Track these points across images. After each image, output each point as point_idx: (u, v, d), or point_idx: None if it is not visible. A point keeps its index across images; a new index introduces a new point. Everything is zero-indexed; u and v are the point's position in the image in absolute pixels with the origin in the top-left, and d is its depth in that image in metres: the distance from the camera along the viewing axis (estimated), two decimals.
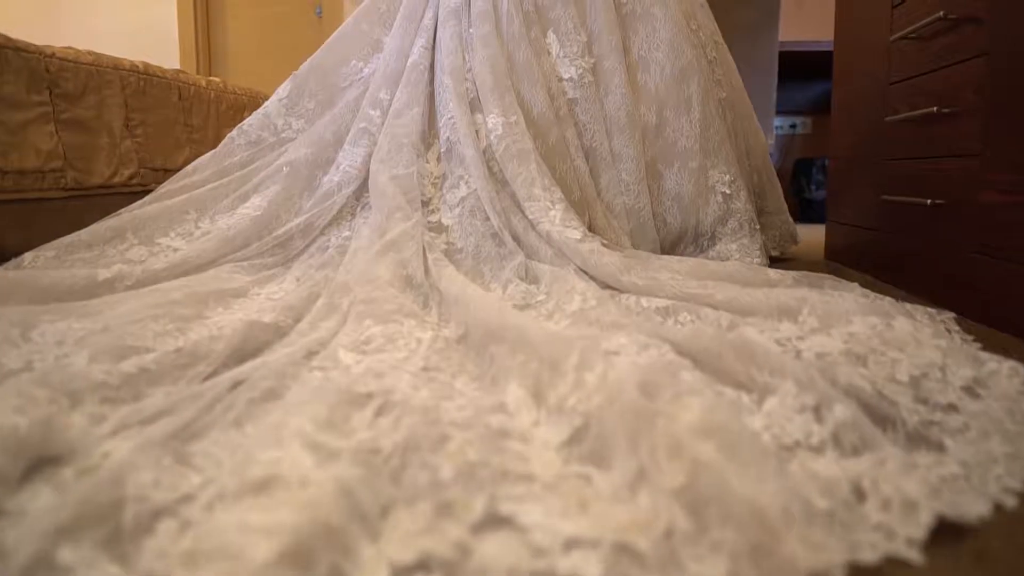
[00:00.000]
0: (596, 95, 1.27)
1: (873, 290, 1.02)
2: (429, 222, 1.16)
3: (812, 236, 2.35)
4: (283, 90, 1.35)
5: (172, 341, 0.78)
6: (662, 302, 0.92)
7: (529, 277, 1.04)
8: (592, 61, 1.29)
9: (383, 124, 1.26)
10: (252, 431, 0.56)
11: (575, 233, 1.06)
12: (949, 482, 0.46)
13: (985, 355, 0.67)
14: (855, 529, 0.41)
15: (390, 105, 1.28)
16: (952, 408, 0.61)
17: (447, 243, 1.12)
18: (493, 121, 1.18)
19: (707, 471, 0.40)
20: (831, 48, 2.79)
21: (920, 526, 0.42)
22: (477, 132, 1.21)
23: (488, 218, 1.11)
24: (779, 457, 0.49)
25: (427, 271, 1.02)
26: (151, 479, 0.43)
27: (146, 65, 1.49)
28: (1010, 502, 0.46)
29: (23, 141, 1.16)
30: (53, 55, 1.22)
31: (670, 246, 1.30)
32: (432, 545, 0.37)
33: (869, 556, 0.40)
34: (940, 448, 0.52)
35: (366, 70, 1.40)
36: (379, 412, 0.56)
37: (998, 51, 0.97)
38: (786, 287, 1.00)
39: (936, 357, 0.68)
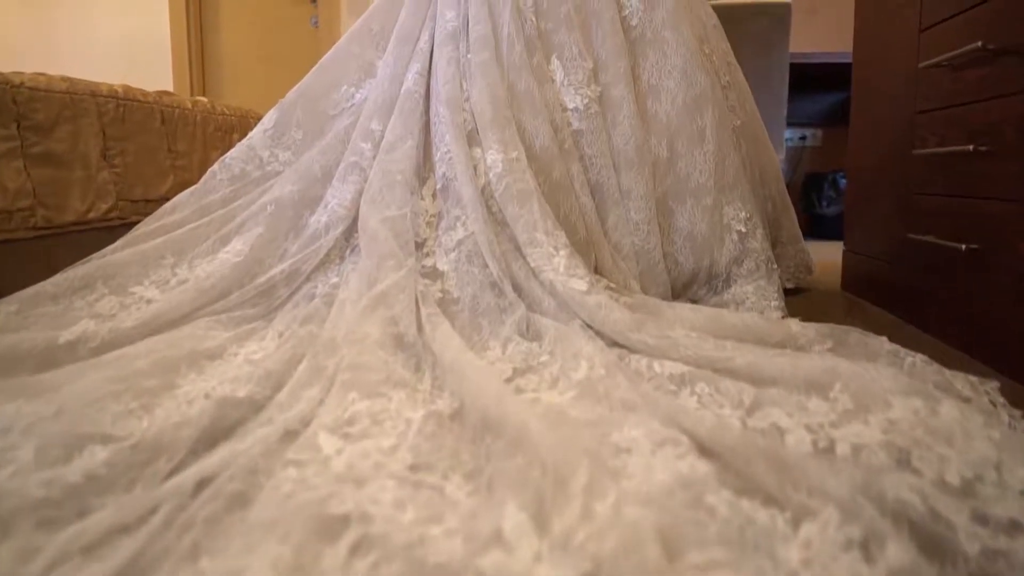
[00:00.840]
0: (603, 126, 1.18)
1: (899, 336, 0.95)
2: (424, 266, 1.08)
3: (825, 256, 2.26)
4: (268, 120, 1.27)
5: (134, 424, 0.71)
6: (677, 367, 0.84)
7: (531, 332, 0.96)
8: (599, 89, 1.20)
9: (374, 158, 1.18)
10: (209, 568, 0.48)
11: (580, 284, 0.98)
12: None
13: None
14: None
15: (382, 137, 1.19)
16: (1016, 527, 0.53)
17: (443, 291, 1.04)
18: (492, 158, 1.10)
19: None
20: (843, 60, 2.70)
21: None
22: (475, 168, 1.13)
23: (487, 264, 1.03)
24: None
25: (420, 327, 0.94)
26: None
27: (126, 89, 1.41)
28: None
29: None
30: (22, 84, 1.14)
31: (682, 288, 1.22)
32: None
33: None
34: None
35: (358, 96, 1.32)
36: (354, 550, 0.49)
37: None
38: (812, 351, 0.92)
39: (990, 452, 0.60)
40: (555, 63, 1.22)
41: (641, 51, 1.23)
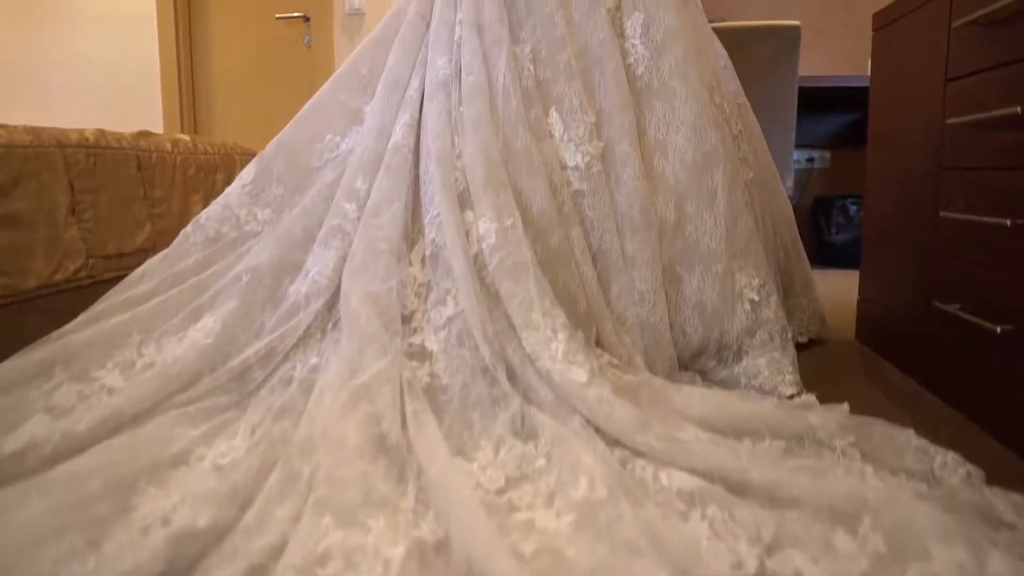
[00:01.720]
0: (606, 186, 1.10)
1: (920, 409, 0.86)
2: (411, 344, 1.00)
3: (835, 290, 2.17)
4: (247, 174, 1.19)
5: (77, 570, 0.63)
6: (686, 480, 0.76)
7: (526, 429, 0.88)
8: (601, 146, 1.12)
9: (359, 219, 1.10)
10: None
11: (580, 374, 0.90)
12: None
13: None
14: None
15: (367, 197, 1.11)
16: None
17: (431, 375, 0.96)
18: (485, 227, 1.01)
19: None
20: (854, 84, 2.62)
21: None
22: (468, 233, 1.05)
23: (479, 346, 0.95)
24: None
25: (404, 423, 0.86)
26: None
27: (99, 136, 1.33)
28: None
29: None
30: None
31: (690, 358, 1.13)
32: None
33: None
34: None
35: (344, 145, 1.24)
36: None
37: None
38: (833, 446, 0.84)
39: None
40: (554, 116, 1.13)
41: (647, 102, 1.15)
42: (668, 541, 0.65)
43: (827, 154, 2.88)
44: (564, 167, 1.11)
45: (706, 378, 1.14)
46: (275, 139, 1.23)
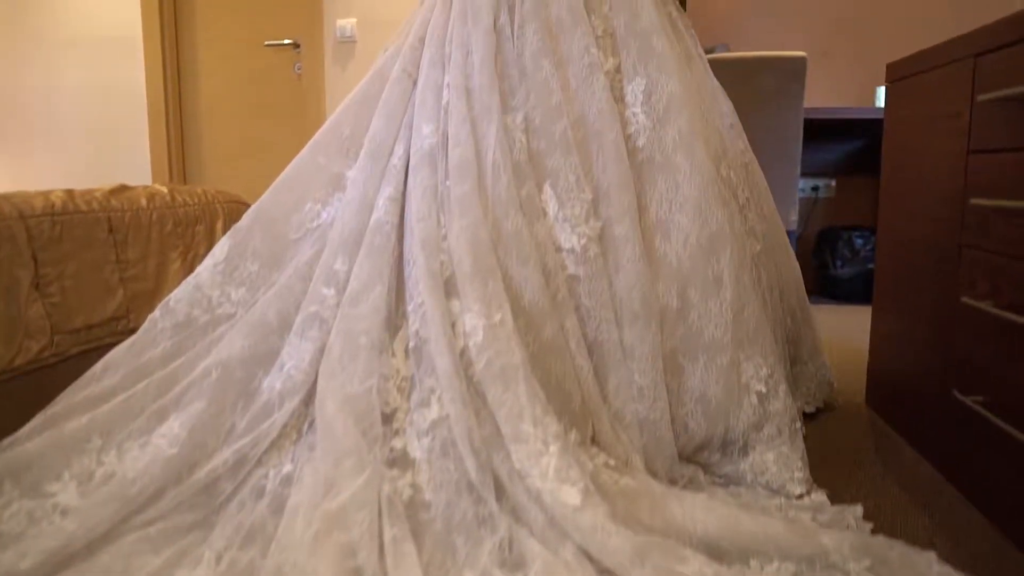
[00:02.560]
0: (603, 271, 1.02)
1: (939, 504, 0.79)
2: (392, 449, 0.92)
3: (842, 333, 2.09)
4: (219, 251, 1.11)
5: None
6: None
7: (514, 557, 0.81)
8: (599, 226, 1.04)
9: (337, 305, 1.02)
10: None
11: (573, 496, 0.82)
12: None
13: None
14: None
15: (347, 280, 1.04)
16: None
17: (413, 487, 0.89)
18: (472, 323, 0.94)
19: None
20: (859, 116, 2.54)
21: None
22: (454, 325, 0.97)
23: (464, 458, 0.88)
24: None
25: (382, 550, 0.79)
26: None
27: (66, 199, 1.25)
28: None
29: None
30: None
31: (692, 452, 1.06)
32: None
33: None
34: None
35: (324, 214, 1.16)
36: None
37: None
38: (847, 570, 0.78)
39: None
40: (548, 192, 1.06)
41: (649, 176, 1.07)
42: None
43: (832, 182, 2.80)
44: (559, 249, 1.04)
45: (709, 471, 1.07)
46: (251, 209, 1.16)
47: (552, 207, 1.05)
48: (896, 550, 0.82)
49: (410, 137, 1.14)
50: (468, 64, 1.13)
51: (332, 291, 1.04)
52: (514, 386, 0.90)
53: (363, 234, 1.07)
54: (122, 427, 0.94)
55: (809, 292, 2.83)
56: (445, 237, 1.03)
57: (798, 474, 1.03)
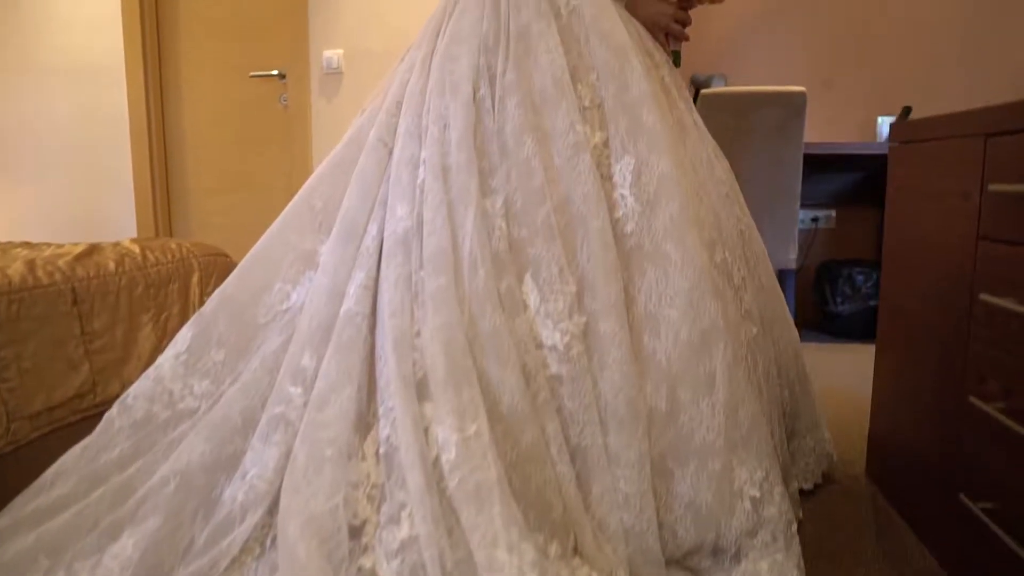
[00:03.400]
0: (587, 371, 0.96)
1: None
2: (360, 569, 0.86)
3: (841, 376, 2.02)
4: (181, 340, 1.05)
5: None
6: None
7: None
8: (583, 321, 0.98)
9: (305, 405, 0.96)
10: None
11: None
12: None
13: None
14: None
15: (315, 377, 0.97)
16: None
17: None
18: (444, 435, 0.88)
19: None
20: (860, 152, 2.47)
21: None
22: (427, 431, 0.91)
23: None
24: None
25: None
26: None
27: (25, 274, 1.19)
28: None
29: None
30: None
31: (682, 556, 1.00)
32: None
33: None
34: None
35: (295, 296, 1.10)
36: None
37: None
38: None
39: None
40: (529, 284, 0.99)
41: (637, 265, 1.01)
42: None
43: (832, 213, 2.73)
44: (540, 346, 0.97)
45: None
46: (216, 293, 1.10)
47: (533, 300, 0.99)
48: None
49: (384, 215, 1.08)
50: (445, 140, 1.06)
51: (299, 390, 0.98)
52: (489, 508, 0.84)
53: (333, 325, 1.01)
54: (72, 544, 0.88)
55: (807, 328, 2.77)
56: (419, 334, 0.97)
57: None
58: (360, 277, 1.03)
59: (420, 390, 0.94)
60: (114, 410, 1.01)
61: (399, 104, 1.17)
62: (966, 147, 1.06)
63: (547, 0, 1.15)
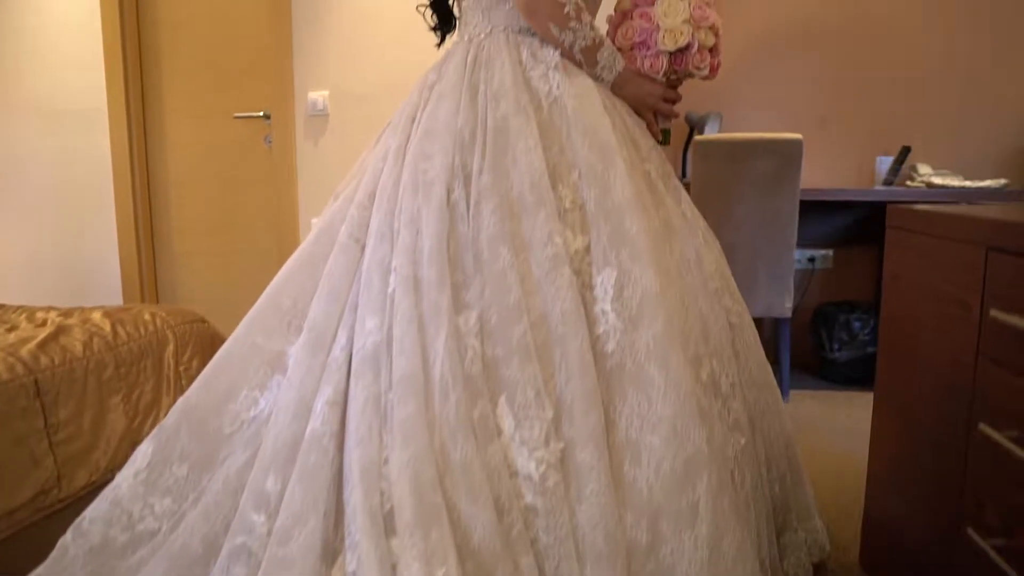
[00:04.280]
0: (564, 502, 0.91)
1: None
2: None
3: (836, 443, 1.95)
4: (141, 456, 1.00)
5: None
6: None
7: None
8: (560, 447, 0.93)
9: (268, 534, 0.91)
10: None
11: None
12: None
13: None
14: None
15: (279, 503, 0.93)
16: None
17: None
18: None
19: None
20: (857, 200, 2.42)
21: None
22: (395, 567, 0.87)
23: None
24: None
25: None
26: None
27: None
28: None
29: None
30: None
31: None
32: None
33: None
34: None
35: (263, 402, 1.05)
36: None
37: None
38: None
39: None
40: (503, 408, 0.94)
41: (618, 387, 0.95)
42: None
43: (829, 253, 2.68)
44: (514, 474, 0.92)
45: None
46: (179, 402, 1.05)
47: (508, 425, 0.94)
48: None
49: (354, 322, 1.03)
50: (417, 248, 1.01)
51: (262, 517, 0.93)
52: None
53: (299, 444, 0.96)
54: None
55: (803, 372, 2.71)
56: (387, 460, 0.92)
57: None
58: (328, 392, 0.98)
59: (387, 523, 0.89)
60: (68, 536, 0.96)
61: (372, 197, 1.12)
62: (967, 253, 1.00)
63: (527, 91, 1.10)
